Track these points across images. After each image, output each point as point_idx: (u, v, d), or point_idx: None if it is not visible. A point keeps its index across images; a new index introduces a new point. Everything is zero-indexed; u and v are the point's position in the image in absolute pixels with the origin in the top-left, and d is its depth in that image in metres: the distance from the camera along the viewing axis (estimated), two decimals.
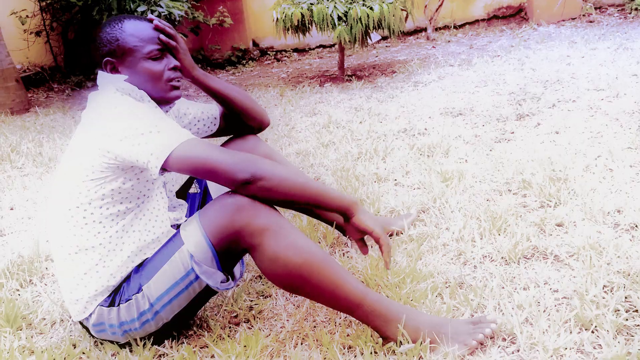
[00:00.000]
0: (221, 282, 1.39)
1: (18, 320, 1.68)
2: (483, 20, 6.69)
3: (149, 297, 1.40)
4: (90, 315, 1.46)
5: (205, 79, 1.65)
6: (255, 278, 1.79)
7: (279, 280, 1.35)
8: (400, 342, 1.33)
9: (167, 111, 1.56)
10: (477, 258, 1.70)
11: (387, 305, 1.36)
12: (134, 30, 1.46)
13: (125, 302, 1.43)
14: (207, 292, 1.43)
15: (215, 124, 1.78)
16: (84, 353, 1.51)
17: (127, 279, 1.46)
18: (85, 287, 1.43)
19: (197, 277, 1.38)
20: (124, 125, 1.33)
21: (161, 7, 4.44)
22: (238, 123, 1.78)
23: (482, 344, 1.32)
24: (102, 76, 1.49)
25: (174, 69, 1.49)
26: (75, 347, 1.54)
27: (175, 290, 1.39)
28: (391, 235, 1.93)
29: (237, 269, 1.48)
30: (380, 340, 1.36)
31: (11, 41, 6.03)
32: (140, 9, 4.38)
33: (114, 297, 1.45)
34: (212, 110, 1.78)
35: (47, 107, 5.20)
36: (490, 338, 1.34)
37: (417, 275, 1.61)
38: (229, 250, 1.35)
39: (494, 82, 3.92)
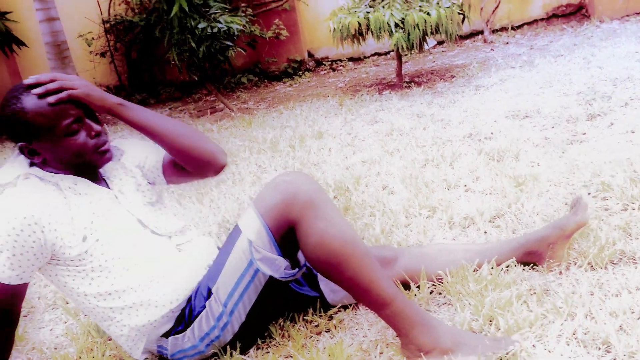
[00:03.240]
0: (285, 269, 1.42)
1: None
2: (542, 19, 6.52)
3: (220, 298, 1.43)
4: (164, 349, 1.52)
5: (120, 110, 1.43)
6: None
7: (319, 261, 1.37)
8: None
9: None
10: (562, 264, 1.65)
11: (414, 310, 1.37)
12: (38, 108, 1.32)
13: (198, 314, 1.46)
14: (275, 285, 1.45)
15: (158, 174, 1.61)
16: None
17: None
18: (133, 340, 1.50)
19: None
20: None
21: (220, 22, 4.54)
22: (184, 167, 1.56)
23: None
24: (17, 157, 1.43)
25: (97, 135, 1.39)
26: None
27: (243, 283, 1.42)
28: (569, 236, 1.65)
29: (300, 257, 1.50)
30: None
31: (79, 63, 6.30)
32: (200, 26, 4.50)
33: (181, 320, 1.49)
34: (154, 159, 1.60)
35: (114, 125, 5.40)
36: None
37: (499, 283, 1.58)
38: (284, 229, 1.38)
39: (559, 83, 3.81)
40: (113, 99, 1.42)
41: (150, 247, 1.47)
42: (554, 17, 6.50)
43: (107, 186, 1.50)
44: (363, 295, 1.37)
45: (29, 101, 1.32)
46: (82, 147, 1.37)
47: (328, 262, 1.35)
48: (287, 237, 1.41)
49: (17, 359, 1.76)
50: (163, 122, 1.47)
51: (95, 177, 1.48)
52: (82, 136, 1.37)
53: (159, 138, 1.47)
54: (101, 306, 1.44)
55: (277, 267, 1.41)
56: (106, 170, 1.51)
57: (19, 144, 1.37)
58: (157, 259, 1.47)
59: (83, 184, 1.42)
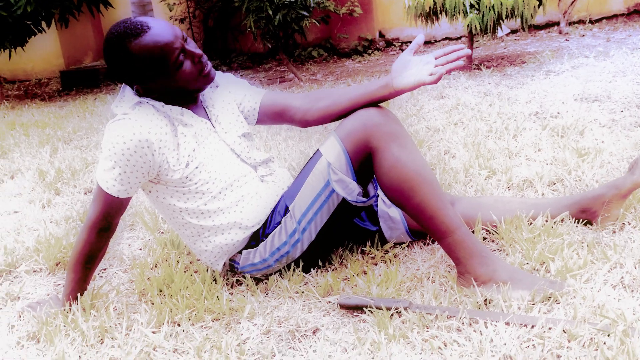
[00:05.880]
0: (357, 195, 1.53)
1: (181, 245, 1.92)
2: (622, 14, 6.36)
3: (295, 215, 1.57)
4: (236, 263, 1.66)
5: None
6: None
7: (391, 185, 1.47)
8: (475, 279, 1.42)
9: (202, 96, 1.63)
10: (617, 224, 1.70)
11: (475, 242, 1.45)
12: (146, 52, 1.41)
13: (272, 230, 1.60)
14: (345, 210, 1.57)
15: (252, 114, 1.73)
16: (242, 274, 1.70)
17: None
18: (211, 252, 1.65)
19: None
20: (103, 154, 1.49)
21: None
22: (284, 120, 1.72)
23: (549, 298, 1.36)
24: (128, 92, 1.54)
25: (200, 60, 1.47)
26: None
27: (317, 203, 1.55)
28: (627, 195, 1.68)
29: (371, 189, 1.61)
30: None
31: None
32: None
33: (255, 237, 1.63)
34: (252, 101, 1.72)
35: None
36: (556, 301, 1.35)
37: (552, 233, 1.65)
38: (361, 155, 1.49)
39: (633, 73, 3.76)
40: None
41: (239, 174, 1.61)
42: (635, 12, 6.32)
43: (207, 114, 1.63)
44: (428, 221, 1.46)
45: (136, 45, 1.41)
46: (191, 77, 1.48)
47: (400, 186, 1.46)
48: (363, 165, 1.52)
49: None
50: None
51: (197, 104, 1.62)
52: (187, 64, 1.46)
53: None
54: (193, 222, 1.60)
55: (351, 191, 1.53)
56: (206, 99, 1.64)
57: (135, 85, 1.50)
58: (245, 185, 1.61)
59: (188, 114, 1.55)
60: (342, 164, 1.51)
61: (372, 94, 1.53)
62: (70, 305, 1.59)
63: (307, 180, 1.55)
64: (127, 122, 1.46)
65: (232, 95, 1.72)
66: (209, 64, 1.52)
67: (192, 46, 1.49)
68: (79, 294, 1.60)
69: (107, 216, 1.53)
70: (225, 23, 6.84)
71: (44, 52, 7.26)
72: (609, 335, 1.19)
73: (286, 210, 1.59)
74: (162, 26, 1.44)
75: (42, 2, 5.36)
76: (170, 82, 1.48)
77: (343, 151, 1.50)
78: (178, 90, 1.51)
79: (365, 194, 1.60)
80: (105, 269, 1.92)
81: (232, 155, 1.62)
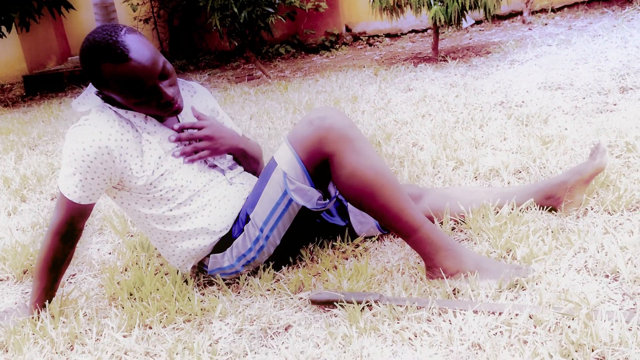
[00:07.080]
0: (317, 200, 1.53)
1: (151, 247, 1.90)
2: (583, 2, 6.47)
3: (257, 223, 1.56)
4: (204, 266, 1.65)
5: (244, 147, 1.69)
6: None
7: (351, 192, 1.46)
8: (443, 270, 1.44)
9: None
10: (580, 210, 1.73)
11: (440, 235, 1.46)
12: (116, 79, 1.38)
13: (237, 237, 1.59)
14: (308, 213, 1.57)
15: None
16: (212, 276, 1.69)
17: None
18: (179, 257, 1.65)
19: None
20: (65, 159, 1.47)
21: None
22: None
23: (515, 285, 1.38)
24: (91, 92, 1.53)
25: (167, 103, 1.45)
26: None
27: (278, 211, 1.54)
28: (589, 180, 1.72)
29: (331, 189, 1.61)
30: None
31: None
32: None
33: (222, 242, 1.62)
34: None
35: None
36: (522, 288, 1.38)
37: (518, 221, 1.68)
38: (316, 161, 1.48)
39: (594, 60, 3.83)
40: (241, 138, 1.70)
41: (207, 179, 1.60)
42: (595, 0, 6.44)
43: (178, 122, 1.60)
44: (393, 222, 1.47)
45: (111, 66, 1.36)
46: (151, 111, 1.47)
47: (361, 191, 1.45)
48: (319, 169, 1.51)
49: (68, 269, 1.93)
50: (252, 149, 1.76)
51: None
52: (152, 102, 1.44)
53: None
54: (159, 228, 1.58)
55: (310, 197, 1.53)
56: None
57: (95, 90, 1.50)
58: (212, 189, 1.60)
59: (151, 122, 1.54)
60: (297, 172, 1.50)
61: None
62: (38, 312, 1.56)
63: (265, 190, 1.54)
64: (87, 128, 1.44)
65: (210, 111, 1.72)
66: (178, 102, 1.48)
67: (165, 84, 1.44)
68: (47, 301, 1.58)
69: (70, 222, 1.51)
70: (190, 22, 6.77)
71: (5, 57, 7.10)
72: (573, 319, 1.22)
73: (247, 217, 1.58)
74: (144, 59, 1.38)
75: (0, 6, 5.24)
76: (132, 105, 1.46)
77: (297, 159, 1.48)
78: (137, 111, 1.51)
79: (327, 193, 1.60)
80: (74, 275, 1.89)
81: (201, 163, 1.61)
